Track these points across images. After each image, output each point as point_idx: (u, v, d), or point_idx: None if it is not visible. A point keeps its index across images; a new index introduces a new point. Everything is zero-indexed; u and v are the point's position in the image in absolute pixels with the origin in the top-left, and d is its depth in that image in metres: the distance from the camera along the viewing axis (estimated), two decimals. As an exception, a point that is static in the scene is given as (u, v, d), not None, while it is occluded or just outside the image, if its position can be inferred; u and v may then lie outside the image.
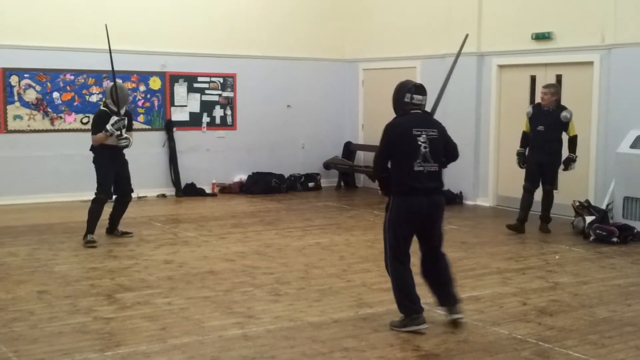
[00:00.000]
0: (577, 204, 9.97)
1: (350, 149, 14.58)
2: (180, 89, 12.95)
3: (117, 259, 7.97)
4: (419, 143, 5.55)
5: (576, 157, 9.58)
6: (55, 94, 11.94)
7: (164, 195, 12.73)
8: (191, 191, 12.88)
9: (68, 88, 12.02)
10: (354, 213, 11.37)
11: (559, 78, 11.08)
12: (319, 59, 14.40)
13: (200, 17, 13.07)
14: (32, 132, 11.77)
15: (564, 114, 9.51)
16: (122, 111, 8.76)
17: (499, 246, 8.95)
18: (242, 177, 13.51)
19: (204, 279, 7.14)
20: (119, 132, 8.62)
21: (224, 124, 13.50)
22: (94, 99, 12.19)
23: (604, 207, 9.76)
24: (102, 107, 8.95)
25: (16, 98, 11.61)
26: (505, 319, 5.95)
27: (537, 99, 11.32)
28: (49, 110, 11.90)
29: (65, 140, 12.01)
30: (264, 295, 6.59)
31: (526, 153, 9.83)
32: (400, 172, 5.60)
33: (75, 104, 12.08)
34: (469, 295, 6.62)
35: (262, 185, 13.30)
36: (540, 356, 5.12)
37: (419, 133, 5.57)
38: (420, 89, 5.74)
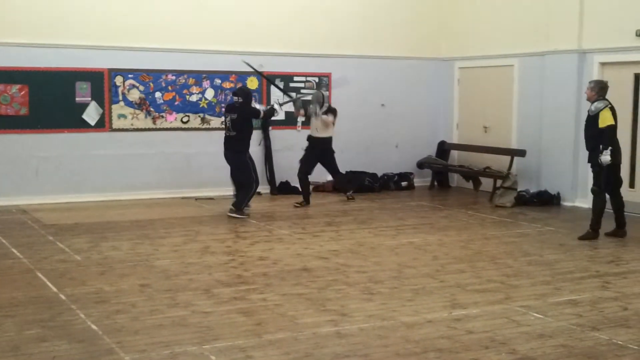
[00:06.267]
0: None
1: (444, 148, 14.44)
2: (276, 89, 13.12)
3: (214, 255, 8.17)
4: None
5: None
6: (158, 94, 12.32)
7: (259, 193, 12.91)
8: (285, 189, 13.05)
9: (169, 88, 12.39)
10: (448, 213, 11.27)
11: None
12: (414, 57, 14.31)
13: (297, 17, 13.21)
14: (135, 131, 12.19)
15: None
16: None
17: (599, 249, 8.69)
18: (336, 175, 13.54)
19: (298, 276, 7.24)
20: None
21: (318, 123, 13.57)
22: (193, 98, 12.53)
23: None
24: None
25: (120, 98, 12.05)
26: (605, 324, 5.78)
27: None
28: (151, 109, 12.29)
29: (166, 138, 12.40)
30: (357, 294, 6.63)
31: None
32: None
33: (176, 103, 12.44)
34: (567, 299, 6.47)
35: (355, 183, 13.32)
36: (642, 364, 4.96)
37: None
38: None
